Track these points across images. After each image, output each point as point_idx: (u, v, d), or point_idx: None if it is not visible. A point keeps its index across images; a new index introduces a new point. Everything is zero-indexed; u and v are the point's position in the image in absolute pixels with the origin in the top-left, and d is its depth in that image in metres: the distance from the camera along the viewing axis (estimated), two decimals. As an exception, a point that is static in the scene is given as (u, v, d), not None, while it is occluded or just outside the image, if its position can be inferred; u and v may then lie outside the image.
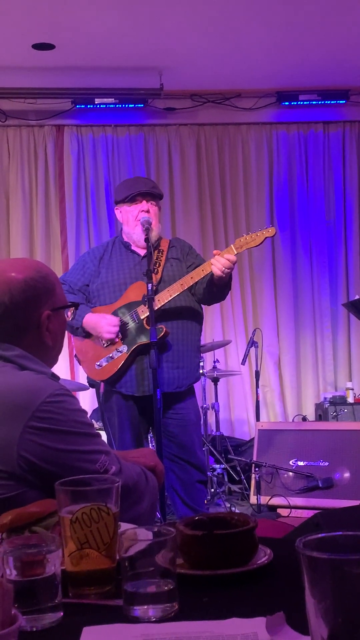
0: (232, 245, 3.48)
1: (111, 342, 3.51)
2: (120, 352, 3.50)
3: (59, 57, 5.49)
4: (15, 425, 1.47)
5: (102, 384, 3.58)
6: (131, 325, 3.51)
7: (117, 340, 3.51)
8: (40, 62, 5.56)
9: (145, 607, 1.03)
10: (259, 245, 3.51)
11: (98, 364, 3.54)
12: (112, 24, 4.99)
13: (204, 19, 5.00)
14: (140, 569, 1.05)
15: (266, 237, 3.49)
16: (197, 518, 1.26)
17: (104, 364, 3.52)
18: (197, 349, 3.68)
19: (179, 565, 1.12)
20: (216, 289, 3.48)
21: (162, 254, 3.63)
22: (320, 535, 0.81)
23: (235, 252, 3.44)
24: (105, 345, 3.53)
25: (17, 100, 6.08)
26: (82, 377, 5.79)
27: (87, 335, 3.57)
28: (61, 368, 5.62)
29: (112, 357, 3.51)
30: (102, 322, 3.48)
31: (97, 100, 6.13)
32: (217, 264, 3.34)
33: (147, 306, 3.39)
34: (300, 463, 4.47)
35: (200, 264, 3.58)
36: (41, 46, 5.30)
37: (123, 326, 3.50)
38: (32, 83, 5.91)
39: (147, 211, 3.58)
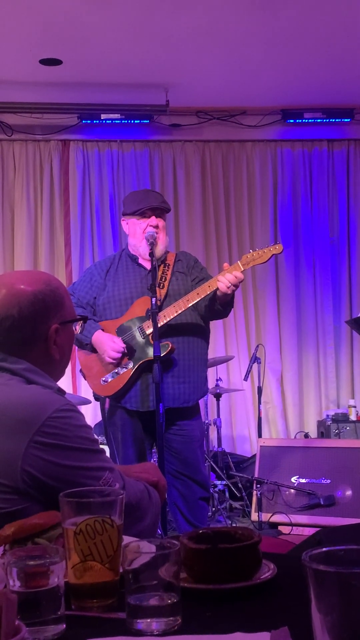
0: (238, 262, 3.45)
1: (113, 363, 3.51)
2: (126, 368, 3.48)
3: (65, 73, 5.53)
4: (21, 440, 1.46)
5: (107, 399, 3.57)
6: (137, 341, 3.49)
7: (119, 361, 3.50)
8: (47, 78, 5.60)
9: (149, 620, 1.03)
10: (265, 262, 3.50)
11: (103, 379, 3.52)
12: (119, 40, 5.03)
13: (210, 37, 5.04)
14: (143, 582, 1.04)
15: (273, 254, 3.48)
16: (201, 532, 1.26)
17: (110, 379, 3.51)
18: (204, 363, 3.65)
19: (182, 579, 1.12)
20: (218, 306, 3.46)
21: (168, 267, 3.61)
22: (326, 549, 0.81)
23: (242, 269, 3.41)
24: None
25: (24, 115, 6.12)
26: (84, 391, 5.80)
27: (95, 350, 3.56)
28: (63, 382, 5.59)
29: (117, 373, 3.49)
30: (108, 344, 3.47)
31: (103, 116, 6.17)
32: (224, 280, 3.32)
33: (151, 322, 3.38)
34: (302, 480, 4.46)
35: (204, 278, 3.57)
36: (48, 61, 5.34)
37: (129, 343, 3.50)
38: (39, 98, 5.95)
39: (156, 226, 3.58)
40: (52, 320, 1.66)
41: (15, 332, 1.62)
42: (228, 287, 3.31)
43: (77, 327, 1.77)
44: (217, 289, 3.36)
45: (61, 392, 1.64)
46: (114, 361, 3.48)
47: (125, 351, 3.48)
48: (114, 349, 3.46)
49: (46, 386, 1.60)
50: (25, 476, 1.46)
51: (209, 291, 3.41)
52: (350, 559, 0.80)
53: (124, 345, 3.47)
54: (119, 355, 3.46)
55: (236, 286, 3.34)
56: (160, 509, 1.80)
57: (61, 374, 1.75)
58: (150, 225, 3.55)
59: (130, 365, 3.48)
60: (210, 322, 3.70)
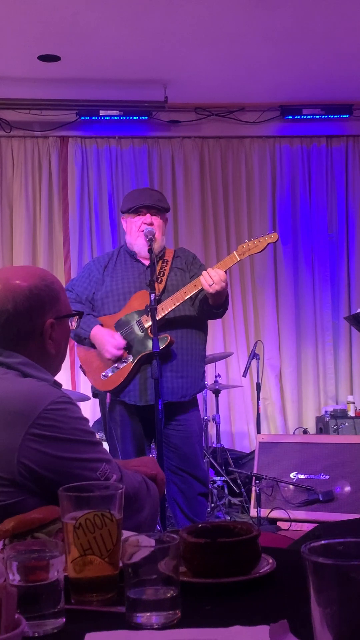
0: (234, 252, 3.47)
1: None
2: (126, 362, 3.48)
3: (64, 69, 5.53)
4: (17, 432, 1.47)
5: (108, 394, 3.56)
6: (136, 334, 3.49)
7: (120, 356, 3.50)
8: (45, 74, 5.59)
9: (148, 614, 1.03)
10: (261, 251, 3.50)
11: (103, 374, 3.52)
12: (118, 36, 5.03)
13: (208, 33, 5.03)
14: (143, 576, 1.04)
15: (269, 243, 3.49)
16: (200, 526, 1.26)
17: (110, 374, 3.50)
18: (202, 358, 3.65)
19: (182, 573, 1.12)
20: (207, 307, 3.45)
21: (166, 264, 3.62)
22: (325, 542, 0.81)
23: (238, 259, 3.44)
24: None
25: (22, 111, 6.11)
26: (83, 388, 5.79)
27: (94, 346, 3.56)
28: (62, 378, 5.59)
29: (117, 367, 3.49)
30: (108, 340, 3.46)
31: (101, 112, 6.16)
32: (206, 276, 3.31)
33: (149, 317, 3.38)
34: (301, 476, 4.46)
35: None
36: (47, 58, 5.33)
37: (128, 337, 3.49)
38: (37, 94, 5.94)
39: (151, 223, 3.56)
40: (48, 315, 1.67)
41: (11, 327, 1.63)
42: (210, 286, 3.28)
43: (73, 323, 1.78)
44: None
45: (57, 385, 1.65)
46: (113, 358, 3.48)
47: (125, 346, 3.48)
48: (114, 345, 3.45)
49: (42, 379, 1.60)
50: (22, 468, 1.46)
51: (201, 285, 3.41)
52: (349, 552, 0.80)
53: (124, 342, 3.47)
54: (120, 352, 3.46)
55: (219, 285, 3.29)
56: (159, 502, 1.80)
57: (57, 368, 1.76)
58: (144, 223, 3.55)
59: (130, 359, 3.48)
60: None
